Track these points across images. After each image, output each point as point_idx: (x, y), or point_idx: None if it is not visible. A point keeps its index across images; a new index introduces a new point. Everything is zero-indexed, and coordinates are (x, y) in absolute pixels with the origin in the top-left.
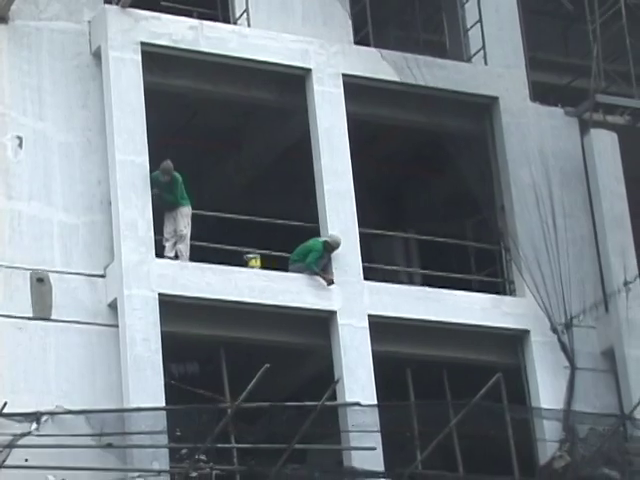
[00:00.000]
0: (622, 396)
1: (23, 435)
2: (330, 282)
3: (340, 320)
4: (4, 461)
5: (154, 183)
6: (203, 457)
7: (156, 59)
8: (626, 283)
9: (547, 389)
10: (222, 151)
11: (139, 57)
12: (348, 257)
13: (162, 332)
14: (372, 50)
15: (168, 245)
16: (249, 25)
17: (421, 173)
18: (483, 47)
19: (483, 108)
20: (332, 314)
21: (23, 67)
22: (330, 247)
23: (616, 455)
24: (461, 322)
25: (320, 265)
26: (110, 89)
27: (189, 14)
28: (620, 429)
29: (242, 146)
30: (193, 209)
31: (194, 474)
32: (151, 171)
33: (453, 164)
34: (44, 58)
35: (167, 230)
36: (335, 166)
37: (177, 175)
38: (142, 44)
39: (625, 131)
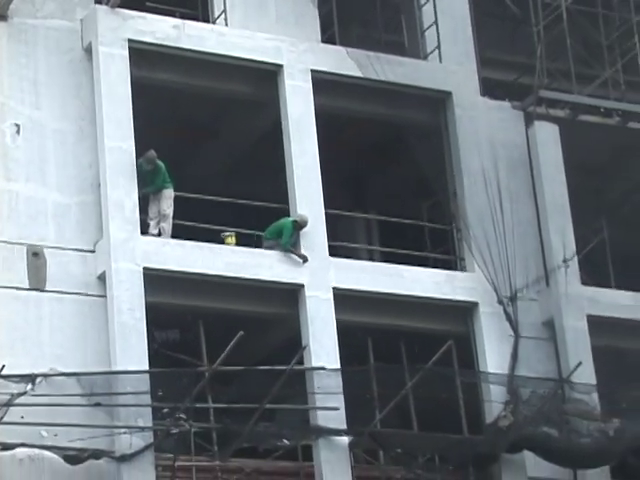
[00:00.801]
0: (561, 362)
1: (19, 395)
2: (304, 259)
3: (307, 292)
4: (2, 418)
5: (139, 170)
6: (183, 415)
7: (142, 55)
8: (565, 260)
9: (493, 356)
10: (202, 139)
11: (127, 53)
12: (315, 235)
13: (146, 302)
14: (338, 48)
15: (152, 223)
16: (227, 24)
17: (382, 160)
18: (438, 46)
19: (438, 102)
20: (300, 287)
21: (21, 61)
22: (299, 226)
23: (555, 415)
24: (417, 295)
25: (292, 243)
26: (100, 82)
27: (172, 14)
28: (559, 392)
29: (220, 134)
30: (175, 191)
31: (174, 430)
32: (137, 157)
33: (411, 152)
34: (40, 53)
35: (152, 210)
36: (304, 153)
37: (160, 163)
38: (129, 41)
39: (566, 123)
